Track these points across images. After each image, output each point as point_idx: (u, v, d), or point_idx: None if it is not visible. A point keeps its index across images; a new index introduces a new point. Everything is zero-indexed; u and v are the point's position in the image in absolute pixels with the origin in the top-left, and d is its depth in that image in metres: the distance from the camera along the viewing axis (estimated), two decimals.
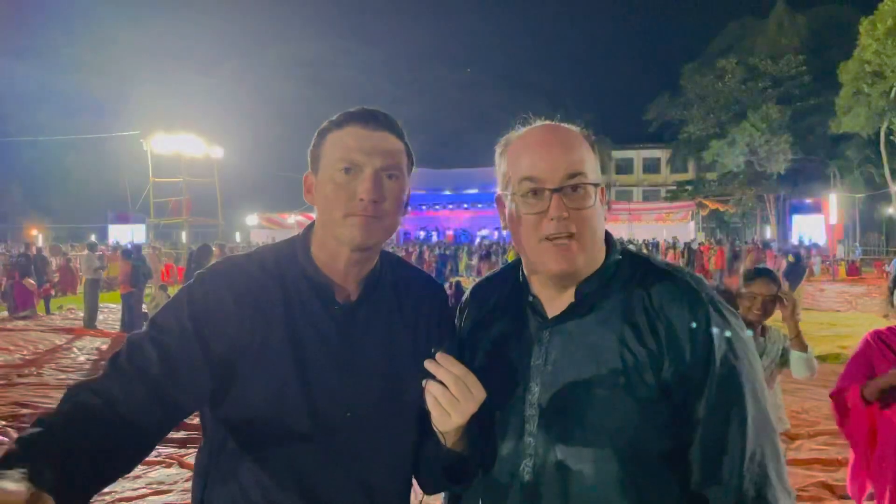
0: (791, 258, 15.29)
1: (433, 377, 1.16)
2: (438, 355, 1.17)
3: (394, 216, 1.31)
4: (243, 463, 1.25)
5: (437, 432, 1.21)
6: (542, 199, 1.22)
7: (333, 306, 1.31)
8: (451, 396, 1.15)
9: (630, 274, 1.27)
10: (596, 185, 1.25)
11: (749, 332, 3.11)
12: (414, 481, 1.41)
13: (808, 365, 3.26)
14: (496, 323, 1.37)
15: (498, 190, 1.34)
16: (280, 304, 1.27)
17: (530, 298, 1.32)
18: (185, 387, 1.20)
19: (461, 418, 1.16)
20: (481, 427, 1.24)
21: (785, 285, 3.39)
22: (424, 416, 1.29)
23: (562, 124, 1.31)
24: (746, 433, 1.16)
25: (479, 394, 1.16)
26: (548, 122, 1.32)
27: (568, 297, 1.27)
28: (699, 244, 28.87)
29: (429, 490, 1.40)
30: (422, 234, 43.67)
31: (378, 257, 1.39)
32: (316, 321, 1.29)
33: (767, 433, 1.19)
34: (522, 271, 1.36)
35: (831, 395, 2.93)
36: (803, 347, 3.24)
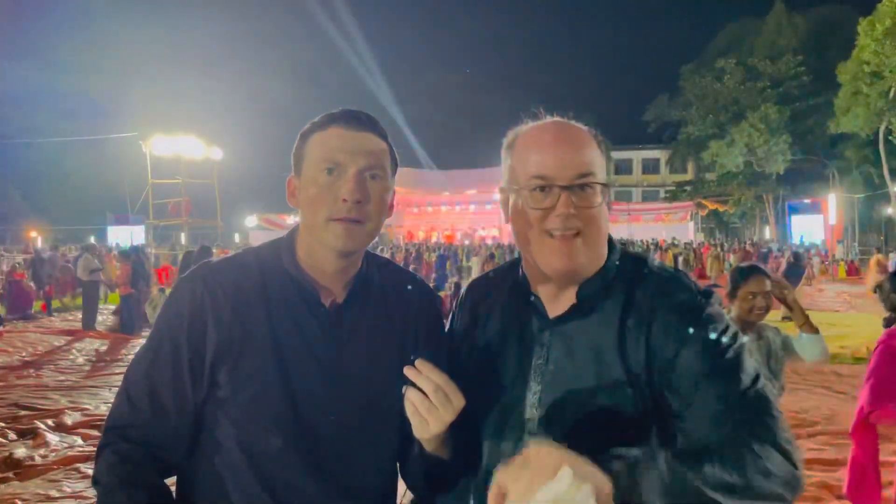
0: (790, 258, 15.28)
1: (413, 384, 1.16)
2: (418, 362, 1.16)
3: (377, 217, 1.30)
4: (225, 466, 1.25)
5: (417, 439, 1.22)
6: (550, 196, 1.21)
7: (319, 309, 1.30)
8: (429, 404, 1.14)
9: (630, 275, 1.27)
10: (605, 185, 1.24)
11: (746, 338, 3.07)
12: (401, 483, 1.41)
13: (821, 347, 3.16)
14: (495, 322, 1.36)
15: (502, 183, 1.33)
16: (262, 307, 1.27)
17: (531, 298, 1.31)
18: (191, 404, 1.27)
19: (439, 426, 1.15)
20: (480, 427, 1.23)
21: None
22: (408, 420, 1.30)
23: (572, 122, 1.29)
24: (741, 394, 1.12)
25: (458, 402, 1.15)
26: (558, 118, 1.30)
27: (569, 296, 1.27)
28: (699, 244, 28.92)
29: (417, 492, 1.40)
30: (422, 234, 43.65)
31: (363, 259, 1.38)
32: (301, 324, 1.28)
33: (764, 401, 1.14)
34: (522, 270, 1.35)
35: (862, 414, 2.86)
36: (814, 330, 3.12)
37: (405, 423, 1.29)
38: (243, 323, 1.25)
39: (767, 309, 3.06)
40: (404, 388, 1.17)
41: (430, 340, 1.40)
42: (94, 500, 1.22)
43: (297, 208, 1.33)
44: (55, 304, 16.77)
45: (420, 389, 1.15)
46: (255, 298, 1.27)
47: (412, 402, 1.15)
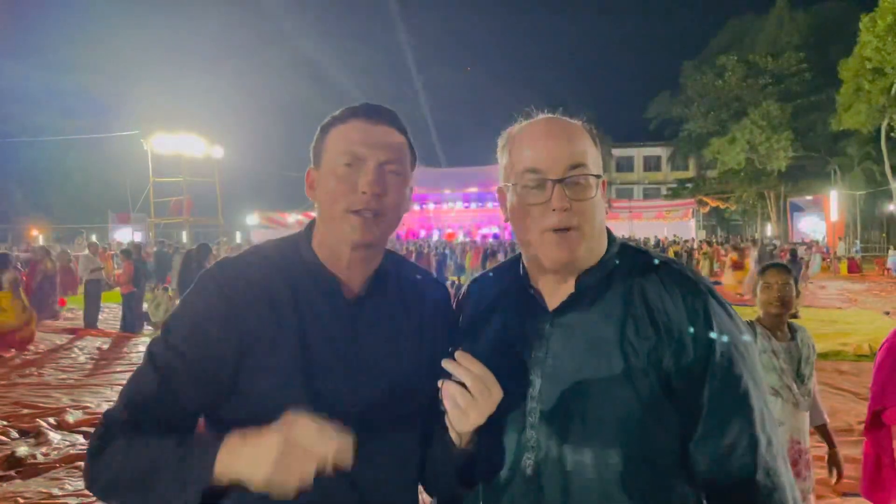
0: (788, 255, 15.28)
1: (449, 376, 1.15)
2: (458, 354, 1.15)
3: (395, 211, 1.30)
4: None
5: (451, 433, 1.20)
6: (544, 190, 1.22)
7: (339, 302, 1.30)
8: (469, 396, 1.13)
9: (630, 267, 1.27)
10: (597, 176, 1.25)
11: (781, 345, 3.04)
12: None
13: None
14: (496, 316, 1.36)
15: (499, 182, 1.34)
16: (280, 300, 1.26)
17: (531, 291, 1.32)
18: (207, 392, 1.24)
19: (480, 418, 1.15)
20: (485, 423, 1.24)
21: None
22: (432, 417, 1.28)
23: (563, 117, 1.31)
24: (754, 423, 1.17)
25: (497, 393, 1.15)
26: (550, 115, 1.32)
27: (569, 289, 1.27)
28: (701, 242, 28.80)
29: (435, 493, 1.39)
30: (423, 232, 43.66)
31: (383, 255, 1.37)
32: (320, 318, 1.27)
33: (771, 422, 1.20)
34: (523, 264, 1.36)
35: (871, 411, 2.85)
36: None
37: (427, 420, 1.30)
38: (261, 317, 1.24)
39: (783, 301, 3.05)
40: (441, 381, 1.16)
41: (448, 335, 1.39)
42: (96, 498, 1.21)
43: (314, 201, 1.33)
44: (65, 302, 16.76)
45: (458, 382, 1.14)
46: (274, 293, 1.27)
47: (452, 394, 1.14)
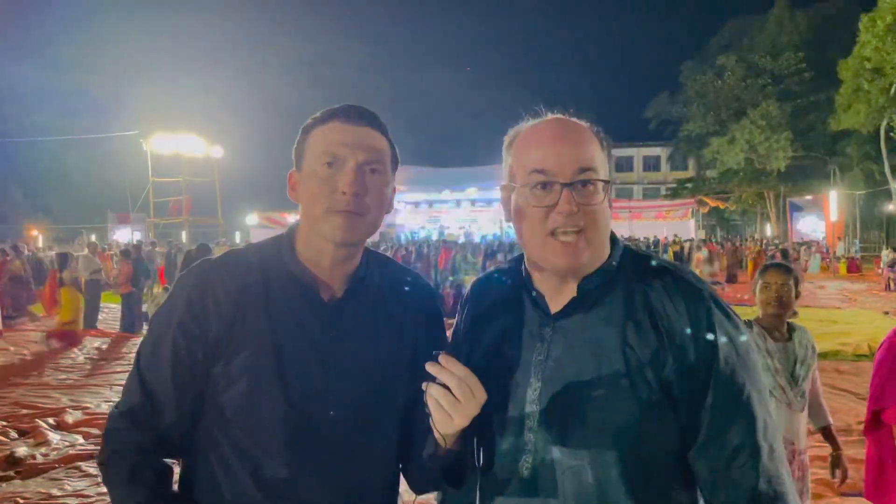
0: (778, 255, 15.28)
1: (432, 379, 1.15)
2: (441, 357, 1.15)
3: (376, 211, 1.31)
4: (224, 463, 1.25)
5: (435, 435, 1.20)
6: (551, 193, 1.20)
7: (318, 304, 1.30)
8: (452, 398, 1.13)
9: (632, 271, 1.26)
10: (606, 181, 1.23)
11: (777, 345, 3.02)
12: (403, 481, 1.41)
13: None
14: (498, 318, 1.35)
15: (503, 181, 1.32)
16: (261, 301, 1.28)
17: (533, 294, 1.31)
18: (190, 398, 1.28)
19: (464, 421, 1.15)
20: (479, 423, 1.23)
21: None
22: (416, 416, 1.29)
23: (572, 118, 1.28)
24: (756, 432, 1.15)
25: (480, 395, 1.15)
26: (559, 115, 1.30)
27: (571, 292, 1.26)
28: (701, 241, 28.74)
29: (421, 490, 1.40)
30: (422, 232, 43.63)
31: (362, 255, 1.38)
32: (300, 319, 1.28)
33: (774, 430, 1.19)
34: (524, 266, 1.35)
35: (871, 411, 2.84)
36: None
37: (408, 419, 1.31)
38: (241, 318, 1.26)
39: (781, 301, 3.04)
40: (424, 384, 1.16)
41: (431, 336, 1.39)
42: (96, 498, 1.23)
43: (297, 202, 1.34)
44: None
45: (442, 384, 1.14)
46: (254, 293, 1.28)
47: (435, 397, 1.14)
